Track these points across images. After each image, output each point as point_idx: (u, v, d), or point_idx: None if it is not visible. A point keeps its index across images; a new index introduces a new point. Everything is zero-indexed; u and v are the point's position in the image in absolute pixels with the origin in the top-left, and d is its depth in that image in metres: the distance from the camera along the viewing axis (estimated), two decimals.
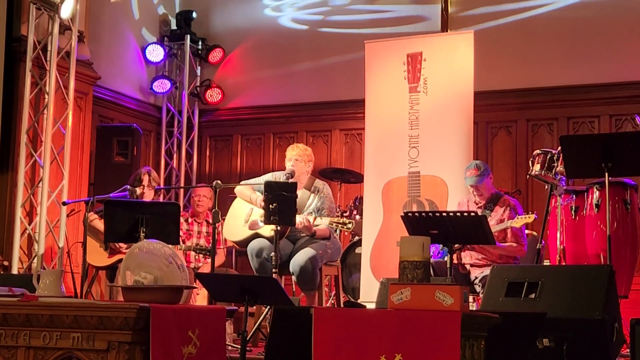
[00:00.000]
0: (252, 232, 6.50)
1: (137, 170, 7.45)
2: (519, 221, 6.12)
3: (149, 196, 7.15)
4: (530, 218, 6.12)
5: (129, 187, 6.81)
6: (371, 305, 5.41)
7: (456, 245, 5.81)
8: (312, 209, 6.48)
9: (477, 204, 6.41)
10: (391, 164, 7.50)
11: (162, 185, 9.26)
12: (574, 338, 4.34)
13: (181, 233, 7.06)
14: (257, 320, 5.67)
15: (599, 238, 5.86)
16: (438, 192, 7.27)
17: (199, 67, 10.32)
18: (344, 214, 7.94)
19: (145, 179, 7.19)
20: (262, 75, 10.08)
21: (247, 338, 4.56)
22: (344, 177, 8.70)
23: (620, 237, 5.89)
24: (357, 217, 7.92)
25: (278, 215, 5.81)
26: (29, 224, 7.82)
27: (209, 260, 6.49)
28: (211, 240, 6.24)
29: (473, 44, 7.39)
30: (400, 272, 3.55)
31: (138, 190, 6.91)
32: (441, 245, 6.06)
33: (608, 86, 8.48)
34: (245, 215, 6.62)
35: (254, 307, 6.04)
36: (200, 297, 7.08)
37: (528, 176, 6.38)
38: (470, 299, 6.02)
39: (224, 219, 6.83)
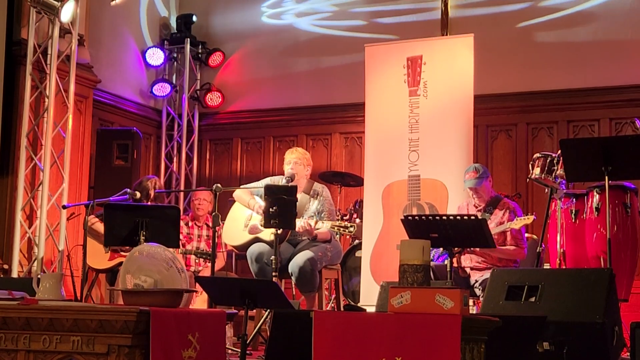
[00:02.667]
0: (251, 236, 6.50)
1: (143, 180, 7.43)
2: (518, 222, 6.12)
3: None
4: (529, 219, 6.13)
5: (128, 190, 6.80)
6: (371, 309, 5.40)
7: (456, 249, 5.81)
8: (312, 213, 6.48)
9: (476, 207, 6.41)
10: (391, 168, 7.50)
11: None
12: (574, 342, 4.34)
13: (181, 237, 7.06)
14: (257, 324, 5.66)
15: (599, 241, 5.86)
16: (438, 195, 7.27)
17: (199, 71, 10.33)
18: (344, 218, 7.94)
19: (150, 186, 7.21)
20: (262, 78, 10.09)
21: (247, 342, 4.55)
22: (344, 180, 8.70)
23: (621, 241, 5.89)
24: (357, 220, 7.92)
25: (278, 219, 5.81)
26: (29, 228, 7.82)
27: (209, 263, 6.49)
28: (211, 244, 6.24)
29: (473, 47, 7.40)
30: (400, 275, 3.54)
31: (138, 194, 6.91)
32: (441, 249, 6.07)
33: (608, 90, 8.48)
34: (244, 220, 6.62)
35: (254, 311, 6.04)
36: (200, 301, 7.08)
37: (528, 180, 6.39)
38: (471, 302, 6.02)
39: (223, 223, 6.83)
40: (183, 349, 3.70)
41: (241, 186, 7.12)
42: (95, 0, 8.90)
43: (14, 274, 7.54)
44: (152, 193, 7.21)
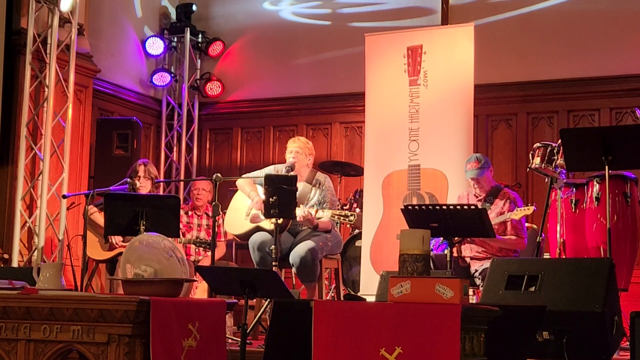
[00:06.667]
0: (253, 225, 6.50)
1: (134, 163, 7.45)
2: (518, 213, 6.12)
3: (145, 187, 7.12)
4: (529, 210, 6.13)
5: (128, 180, 6.81)
6: (371, 298, 5.41)
7: (456, 239, 5.81)
8: (314, 202, 6.48)
9: (477, 197, 6.41)
10: (391, 157, 7.50)
11: (161, 179, 9.26)
12: (573, 331, 4.35)
13: (181, 226, 7.05)
14: (257, 313, 5.67)
15: (599, 231, 5.87)
16: (438, 185, 7.28)
17: (199, 60, 10.31)
18: (344, 207, 7.94)
19: (141, 169, 7.16)
20: (262, 68, 10.07)
21: (247, 331, 4.56)
22: (344, 170, 8.70)
23: (620, 230, 5.89)
24: (357, 210, 7.92)
25: (278, 208, 5.81)
26: (29, 217, 7.82)
27: (209, 253, 6.49)
28: (211, 233, 6.24)
29: (473, 37, 7.38)
30: (400, 265, 3.55)
31: (138, 183, 6.91)
32: (441, 239, 6.07)
33: (608, 79, 8.47)
34: (246, 209, 6.62)
35: (254, 300, 6.04)
36: (200, 290, 7.09)
37: (528, 169, 6.38)
38: (470, 292, 6.02)
39: (224, 212, 6.83)
40: (183, 338, 3.71)
41: (242, 175, 7.12)
42: None
43: (14, 264, 7.55)
44: (139, 169, 7.17)
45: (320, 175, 6.66)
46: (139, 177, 7.09)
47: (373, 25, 9.20)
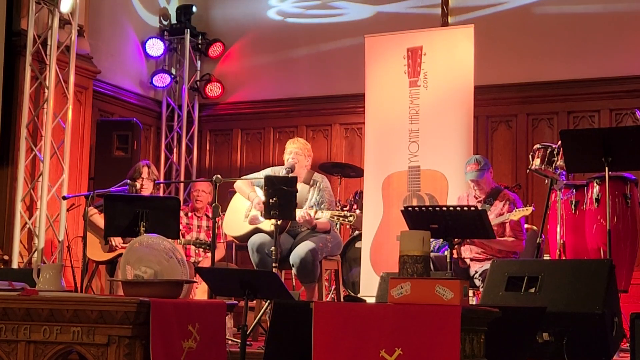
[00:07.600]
0: (252, 227, 6.50)
1: (136, 164, 7.45)
2: (517, 214, 6.13)
3: (148, 189, 7.14)
4: (527, 211, 6.13)
5: (128, 181, 6.81)
6: (371, 300, 5.41)
7: (456, 240, 5.81)
8: (312, 203, 6.48)
9: (477, 198, 6.42)
10: (391, 159, 7.50)
11: (161, 180, 9.26)
12: (573, 332, 4.35)
13: (181, 227, 7.05)
14: (257, 315, 5.67)
15: (599, 232, 5.87)
16: (438, 186, 7.28)
17: (198, 62, 10.32)
18: (344, 209, 7.94)
19: (145, 170, 7.18)
20: (262, 69, 10.07)
21: (247, 332, 4.56)
22: (344, 171, 8.69)
23: (621, 232, 5.89)
24: (357, 211, 7.92)
25: (278, 210, 5.81)
26: (29, 219, 7.82)
27: (209, 254, 6.49)
28: (211, 235, 6.24)
29: (473, 38, 7.39)
30: (400, 266, 3.55)
31: (138, 184, 6.91)
32: (441, 240, 6.07)
33: (608, 80, 8.47)
34: (245, 210, 6.62)
35: (254, 302, 6.04)
36: (200, 291, 7.09)
37: (528, 170, 6.39)
38: (470, 293, 6.02)
39: (224, 214, 6.82)
40: (183, 339, 3.71)
41: (242, 177, 7.11)
42: None
43: (14, 265, 7.55)
44: (143, 170, 7.18)
45: (317, 176, 6.67)
46: (143, 178, 7.10)
47: (373, 26, 9.18)
